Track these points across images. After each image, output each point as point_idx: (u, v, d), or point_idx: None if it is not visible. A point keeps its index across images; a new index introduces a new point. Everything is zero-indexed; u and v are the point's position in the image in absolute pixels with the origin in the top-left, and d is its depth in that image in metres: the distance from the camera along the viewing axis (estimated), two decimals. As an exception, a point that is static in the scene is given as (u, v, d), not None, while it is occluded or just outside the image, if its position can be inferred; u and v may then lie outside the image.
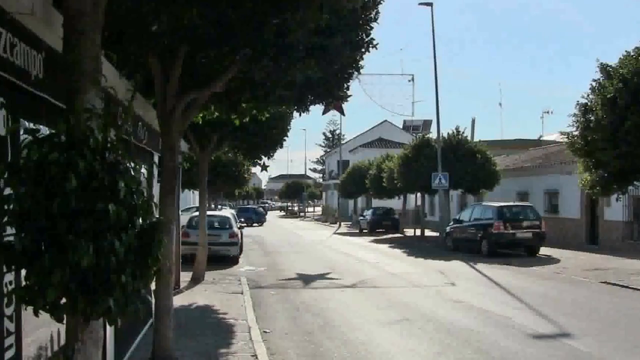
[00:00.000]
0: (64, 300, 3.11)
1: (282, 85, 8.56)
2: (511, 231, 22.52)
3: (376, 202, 45.49)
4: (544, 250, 23.21)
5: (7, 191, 3.36)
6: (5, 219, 3.13)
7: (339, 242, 32.70)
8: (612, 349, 8.96)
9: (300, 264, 20.61)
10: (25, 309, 3.20)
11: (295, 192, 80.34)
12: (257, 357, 8.26)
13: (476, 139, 33.06)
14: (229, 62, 7.76)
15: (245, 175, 36.62)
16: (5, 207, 3.10)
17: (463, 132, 30.53)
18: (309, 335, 9.88)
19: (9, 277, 3.85)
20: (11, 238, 3.17)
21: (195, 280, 15.37)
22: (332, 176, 65.82)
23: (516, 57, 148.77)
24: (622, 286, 14.79)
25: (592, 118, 16.93)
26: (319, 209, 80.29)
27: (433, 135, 33.03)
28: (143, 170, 3.79)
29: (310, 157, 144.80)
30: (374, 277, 17.14)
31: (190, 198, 44.98)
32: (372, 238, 34.61)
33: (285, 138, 17.87)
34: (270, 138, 17.30)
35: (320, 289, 15.14)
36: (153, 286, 7.64)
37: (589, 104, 17.33)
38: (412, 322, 10.83)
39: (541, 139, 46.95)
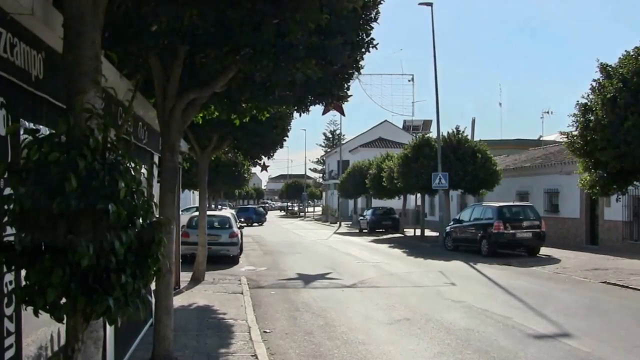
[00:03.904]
0: (64, 300, 3.11)
1: (282, 85, 8.56)
2: (511, 231, 22.52)
3: (376, 202, 45.49)
4: (544, 250, 23.21)
5: (7, 191, 3.36)
6: (5, 219, 3.13)
7: (339, 242, 32.70)
8: (612, 348, 8.96)
9: (300, 264, 20.61)
10: (25, 309, 3.20)
11: (295, 192, 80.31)
12: (257, 357, 8.26)
13: (476, 139, 33.07)
14: (229, 62, 7.76)
15: (245, 175, 36.67)
16: (5, 207, 3.11)
17: (463, 132, 30.52)
18: (309, 335, 9.89)
19: (9, 277, 3.85)
20: (11, 238, 3.17)
21: (195, 280, 15.37)
22: (332, 176, 65.82)
23: (516, 57, 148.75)
24: (622, 286, 14.79)
25: (592, 118, 16.94)
26: (319, 209, 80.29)
27: (433, 135, 33.03)
28: (143, 170, 3.79)
29: (310, 157, 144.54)
30: (374, 277, 17.14)
31: (190, 198, 45.01)
32: (372, 238, 34.61)
33: (285, 138, 17.89)
34: (270, 138, 17.31)
35: (320, 288, 15.14)
36: (153, 286, 7.65)
37: (589, 104, 17.35)
38: (412, 322, 10.84)
39: (541, 139, 46.97)
